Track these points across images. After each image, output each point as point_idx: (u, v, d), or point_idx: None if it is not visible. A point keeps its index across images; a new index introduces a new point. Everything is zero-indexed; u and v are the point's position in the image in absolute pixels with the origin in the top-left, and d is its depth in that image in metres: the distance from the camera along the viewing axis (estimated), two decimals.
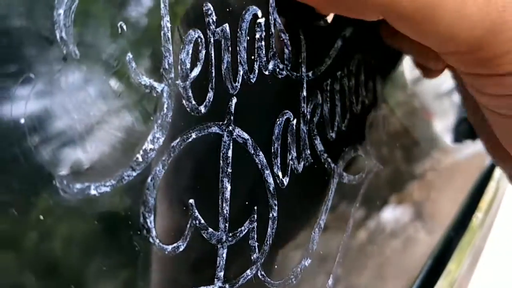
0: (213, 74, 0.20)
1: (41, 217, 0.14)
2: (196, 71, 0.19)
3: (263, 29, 0.22)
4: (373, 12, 0.22)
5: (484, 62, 0.22)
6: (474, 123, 0.35)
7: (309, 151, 0.26)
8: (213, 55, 0.20)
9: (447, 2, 0.20)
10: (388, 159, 0.36)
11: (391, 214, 0.40)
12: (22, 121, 0.14)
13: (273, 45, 0.23)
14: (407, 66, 0.41)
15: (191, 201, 0.19)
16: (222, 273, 0.21)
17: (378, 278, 0.38)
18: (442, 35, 0.21)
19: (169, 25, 0.18)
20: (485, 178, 0.65)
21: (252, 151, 0.22)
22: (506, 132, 0.25)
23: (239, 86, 0.21)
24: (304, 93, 0.25)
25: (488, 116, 0.26)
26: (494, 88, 0.23)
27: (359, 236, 0.33)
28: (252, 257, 0.22)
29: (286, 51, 0.24)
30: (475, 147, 0.61)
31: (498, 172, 0.66)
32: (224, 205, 0.21)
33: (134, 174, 0.17)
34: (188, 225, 0.19)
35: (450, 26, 0.21)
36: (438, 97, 0.55)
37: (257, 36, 0.22)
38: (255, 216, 0.22)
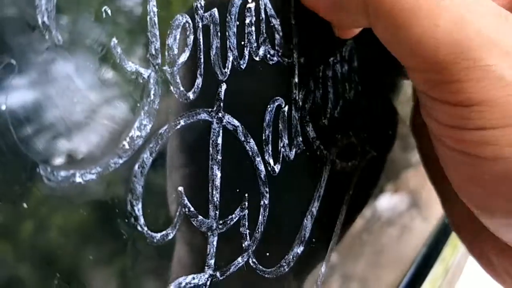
0: (202, 60, 0.20)
1: (25, 205, 0.14)
2: (184, 57, 0.19)
3: (253, 14, 0.22)
4: (358, 12, 0.23)
5: (441, 86, 0.21)
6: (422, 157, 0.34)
7: (301, 138, 0.26)
8: (201, 40, 0.20)
9: (420, 18, 0.20)
10: (384, 147, 0.36)
11: (387, 202, 0.39)
12: (3, 107, 0.14)
13: (264, 31, 0.23)
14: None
15: (180, 188, 0.19)
16: (212, 261, 0.21)
17: (374, 265, 0.38)
18: (412, 46, 0.21)
19: (155, 9, 0.18)
20: None
21: (243, 138, 0.22)
22: (449, 164, 0.24)
23: (228, 72, 0.21)
24: (296, 79, 0.25)
25: (436, 145, 0.25)
26: (443, 116, 0.22)
27: (355, 224, 0.33)
28: (243, 245, 0.22)
29: (277, 36, 0.24)
30: None
31: None
32: (214, 192, 0.21)
33: (121, 161, 0.17)
34: (178, 213, 0.19)
35: (420, 39, 0.21)
36: None
37: (247, 21, 0.22)
38: (246, 203, 0.22)
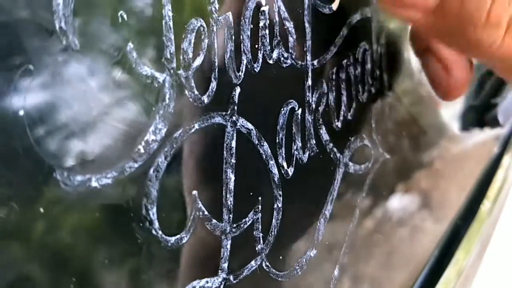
0: (216, 64, 0.20)
1: (42, 210, 0.14)
2: (198, 61, 0.19)
3: (267, 17, 0.22)
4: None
5: None
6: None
7: (314, 141, 0.25)
8: (216, 44, 0.20)
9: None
10: (395, 147, 0.36)
11: (399, 202, 0.39)
12: (21, 113, 0.14)
13: (278, 34, 0.23)
14: (413, 54, 0.41)
15: (195, 192, 0.19)
16: (226, 264, 0.21)
17: (385, 267, 0.37)
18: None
19: (170, 14, 0.18)
20: (494, 166, 0.64)
21: (256, 142, 0.22)
22: None
23: (242, 76, 0.21)
24: (309, 82, 0.25)
25: None
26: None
27: (366, 225, 0.33)
28: (256, 248, 0.22)
29: (291, 39, 0.24)
30: (484, 135, 0.60)
31: (507, 160, 0.65)
32: (228, 196, 0.21)
33: (136, 165, 0.17)
34: (192, 217, 0.19)
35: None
36: None
37: (261, 24, 0.22)
38: (260, 207, 0.22)
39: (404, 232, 0.41)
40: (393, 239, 0.39)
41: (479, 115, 0.58)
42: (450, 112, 0.56)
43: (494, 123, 0.57)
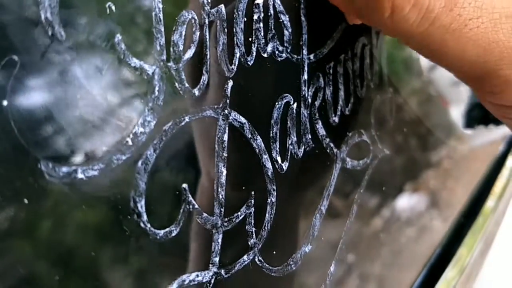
0: (208, 57, 0.20)
1: (26, 201, 0.14)
2: (189, 53, 0.19)
3: (262, 10, 0.22)
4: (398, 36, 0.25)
5: (487, 93, 0.25)
6: None
7: (310, 136, 0.25)
8: (207, 36, 0.20)
9: (451, 45, 0.23)
10: (400, 145, 0.36)
11: (406, 202, 0.39)
12: (5, 103, 0.14)
13: (272, 27, 0.23)
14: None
15: (185, 185, 0.19)
16: (217, 259, 0.21)
17: (392, 266, 0.37)
18: (451, 67, 0.25)
19: (160, 5, 0.18)
20: (498, 165, 0.64)
21: (249, 135, 0.22)
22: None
23: (235, 69, 0.21)
24: (305, 76, 0.25)
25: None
26: (496, 111, 0.27)
27: (372, 224, 0.33)
28: (249, 243, 0.22)
29: (286, 33, 0.23)
30: (490, 135, 0.60)
31: (511, 160, 0.65)
32: (219, 189, 0.20)
33: (124, 157, 0.17)
34: (182, 210, 0.19)
35: (454, 62, 0.24)
36: (455, 85, 0.54)
37: (255, 17, 0.22)
38: (252, 201, 0.22)
39: (413, 232, 0.41)
40: (401, 238, 0.38)
41: (484, 112, 0.58)
42: (459, 111, 0.56)
43: (499, 120, 0.57)
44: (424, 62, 0.43)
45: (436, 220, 0.48)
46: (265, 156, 0.23)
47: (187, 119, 0.19)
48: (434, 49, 0.24)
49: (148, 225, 0.18)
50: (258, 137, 0.22)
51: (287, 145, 0.24)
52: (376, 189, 0.33)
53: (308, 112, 0.25)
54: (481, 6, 0.23)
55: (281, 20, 0.23)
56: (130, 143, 0.17)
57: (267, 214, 0.23)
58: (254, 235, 0.22)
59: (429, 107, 0.46)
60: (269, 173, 0.23)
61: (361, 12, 0.25)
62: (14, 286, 0.14)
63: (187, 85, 0.19)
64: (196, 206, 0.19)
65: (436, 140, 0.46)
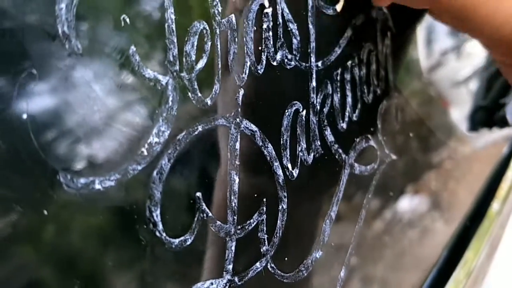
0: (219, 66, 0.20)
1: (45, 212, 0.14)
2: (201, 63, 0.19)
3: (270, 19, 0.22)
4: (423, 3, 0.25)
5: None
6: None
7: (319, 142, 0.25)
8: (219, 46, 0.20)
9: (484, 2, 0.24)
10: (404, 149, 0.36)
11: (408, 204, 0.39)
12: (25, 116, 0.14)
13: (281, 36, 0.23)
14: (423, 55, 0.40)
15: (199, 194, 0.19)
16: (231, 266, 0.21)
17: (395, 268, 0.37)
18: (481, 30, 0.25)
19: (173, 17, 0.18)
20: (503, 167, 0.64)
21: (261, 143, 0.22)
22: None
23: (246, 78, 0.21)
24: (314, 84, 0.25)
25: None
26: None
27: (375, 227, 0.33)
28: (261, 250, 0.22)
29: (295, 41, 0.24)
30: (493, 136, 0.60)
31: None
32: (232, 197, 0.21)
33: (139, 167, 0.17)
34: (196, 218, 0.19)
35: (484, 27, 0.24)
36: (455, 85, 0.54)
37: (264, 26, 0.22)
38: (264, 208, 0.22)
39: (415, 233, 0.41)
40: (403, 241, 0.38)
41: (488, 115, 0.58)
42: (460, 112, 0.56)
43: (503, 123, 0.57)
44: (424, 63, 0.43)
45: (438, 222, 0.48)
46: (276, 164, 0.23)
47: (200, 128, 0.19)
48: (466, 14, 0.24)
49: (164, 234, 0.18)
50: (269, 144, 0.22)
51: (297, 152, 0.24)
52: (383, 194, 0.33)
53: (317, 119, 0.25)
54: None
55: (289, 29, 0.23)
56: (145, 153, 0.17)
57: (278, 221, 0.23)
58: (266, 242, 0.22)
59: (430, 108, 0.46)
60: (280, 180, 0.23)
61: None
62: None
63: (199, 94, 0.19)
64: (210, 214, 0.20)
65: (437, 141, 0.47)
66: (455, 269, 0.46)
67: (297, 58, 0.24)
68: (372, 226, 0.33)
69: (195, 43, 0.19)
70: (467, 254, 0.48)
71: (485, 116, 0.57)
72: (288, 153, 0.23)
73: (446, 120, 0.52)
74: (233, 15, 0.20)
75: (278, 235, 0.23)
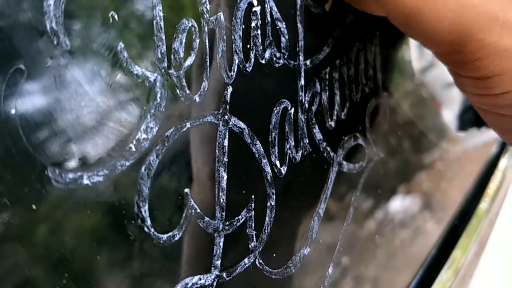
0: (208, 63, 0.20)
1: (34, 206, 0.15)
2: (190, 60, 0.19)
3: (259, 17, 0.22)
4: (379, 11, 0.26)
5: (462, 65, 0.25)
6: None
7: (307, 140, 0.26)
8: (207, 44, 0.20)
9: (426, 11, 0.23)
10: (394, 147, 0.36)
11: (400, 204, 0.39)
12: (13, 111, 0.14)
13: (270, 34, 0.23)
14: (415, 56, 0.41)
15: (187, 190, 0.19)
16: (219, 262, 0.21)
17: (387, 268, 0.38)
18: (427, 37, 0.25)
19: (161, 14, 0.18)
20: (491, 166, 0.64)
21: (249, 140, 0.22)
22: (494, 125, 0.29)
23: (234, 75, 0.21)
24: (302, 82, 0.25)
25: (477, 111, 0.29)
26: (473, 89, 0.26)
27: (365, 226, 0.33)
28: (249, 246, 0.22)
29: (283, 39, 0.24)
30: (483, 136, 0.60)
31: (504, 162, 0.66)
32: (220, 194, 0.21)
33: (127, 163, 0.17)
34: (184, 214, 0.19)
35: (430, 30, 0.24)
36: (447, 86, 0.55)
37: (253, 24, 0.22)
38: (253, 205, 0.22)
39: (406, 234, 0.41)
40: (395, 241, 0.39)
41: (477, 115, 0.58)
42: (451, 113, 0.56)
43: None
44: (416, 64, 0.44)
45: (429, 222, 0.48)
46: (265, 161, 0.23)
47: (188, 125, 0.19)
48: (411, 18, 0.24)
49: (152, 230, 0.18)
50: (258, 142, 0.23)
51: (286, 149, 0.24)
52: (371, 192, 0.33)
53: (305, 117, 0.26)
54: None
55: (278, 27, 0.24)
56: (133, 149, 0.17)
57: (267, 218, 0.23)
58: (254, 238, 0.23)
59: (422, 109, 0.47)
60: (269, 177, 0.23)
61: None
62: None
63: (188, 91, 0.19)
64: (198, 210, 0.20)
65: (429, 142, 0.47)
66: (444, 266, 0.46)
67: (286, 57, 0.24)
68: (364, 226, 0.33)
69: (184, 41, 0.19)
70: (455, 252, 0.48)
71: (474, 115, 0.58)
72: (277, 151, 0.24)
73: (438, 121, 0.52)
74: (221, 13, 0.21)
75: (266, 231, 0.23)
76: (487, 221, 0.56)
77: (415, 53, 0.41)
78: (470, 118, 0.58)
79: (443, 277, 0.44)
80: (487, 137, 0.63)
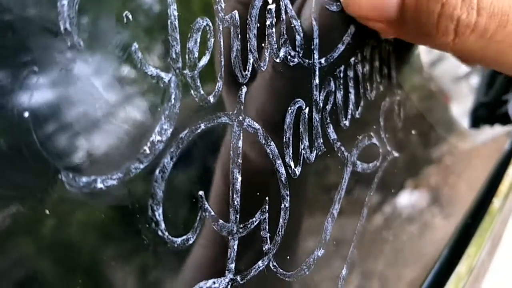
0: (222, 63, 0.20)
1: (47, 211, 0.14)
2: (204, 60, 0.19)
3: (274, 15, 0.22)
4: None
5: None
6: None
7: (321, 140, 0.25)
8: (222, 43, 0.20)
9: (506, 58, 0.26)
10: (404, 144, 0.36)
11: (408, 199, 0.39)
12: (26, 114, 0.14)
13: (284, 32, 0.23)
14: (423, 49, 0.40)
15: (201, 192, 0.19)
16: (233, 265, 0.21)
17: (395, 263, 0.37)
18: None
19: (176, 13, 0.18)
20: (504, 163, 0.64)
21: (263, 141, 0.22)
22: None
23: (249, 75, 0.21)
24: (317, 81, 0.25)
25: None
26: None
27: (375, 222, 0.33)
28: (263, 248, 0.22)
29: (298, 37, 0.23)
30: (494, 132, 0.60)
31: None
32: (234, 196, 0.20)
33: (142, 166, 0.17)
34: (198, 217, 0.19)
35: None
36: (456, 80, 0.54)
37: (268, 23, 0.22)
38: (267, 207, 0.22)
39: (414, 229, 0.41)
40: (403, 236, 0.38)
41: (490, 112, 0.58)
42: (460, 107, 0.56)
43: (505, 119, 0.57)
44: (424, 58, 0.43)
45: (437, 217, 0.48)
46: (279, 162, 0.23)
47: (202, 126, 0.19)
48: (493, 62, 0.27)
49: (166, 233, 0.18)
50: (272, 142, 0.22)
51: (300, 150, 0.24)
52: (385, 191, 0.33)
53: (320, 116, 0.25)
54: None
55: (293, 25, 0.23)
56: (147, 151, 0.17)
57: (281, 219, 0.23)
58: (268, 241, 0.22)
59: (430, 103, 0.46)
60: (283, 178, 0.23)
61: (416, 37, 0.27)
62: None
63: (202, 92, 0.19)
64: (212, 213, 0.19)
65: (438, 137, 0.46)
66: (457, 265, 0.46)
67: (300, 55, 0.24)
68: (372, 221, 0.33)
69: (198, 40, 0.19)
70: (469, 250, 0.48)
71: (486, 112, 0.57)
72: (291, 151, 0.23)
73: (446, 115, 0.52)
74: (236, 11, 0.20)
75: (280, 233, 0.23)
76: (500, 219, 0.56)
77: (423, 47, 0.41)
78: (483, 115, 0.57)
79: (458, 274, 0.44)
80: (497, 132, 0.62)
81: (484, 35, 0.25)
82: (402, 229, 0.38)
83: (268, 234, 0.22)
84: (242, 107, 0.21)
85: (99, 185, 0.16)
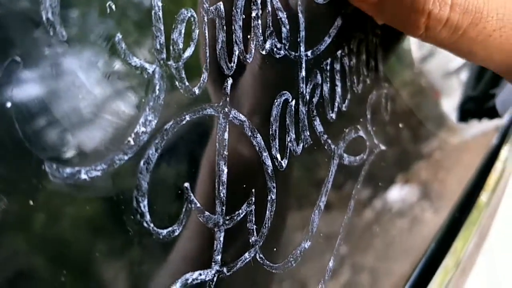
0: (207, 54, 0.20)
1: (31, 202, 0.14)
2: (189, 52, 0.19)
3: (259, 7, 0.22)
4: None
5: None
6: None
7: (308, 133, 0.25)
8: (207, 34, 0.20)
9: (477, 54, 0.27)
10: (393, 137, 0.36)
11: (398, 193, 0.39)
12: (9, 105, 0.14)
13: (270, 24, 0.23)
14: (415, 45, 0.40)
15: (186, 184, 0.19)
16: (219, 257, 0.21)
17: (385, 257, 0.37)
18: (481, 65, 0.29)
19: (160, 4, 0.18)
20: (492, 157, 0.64)
21: (250, 133, 0.22)
22: None
23: (234, 67, 0.21)
24: (303, 73, 0.25)
25: None
26: None
27: (365, 216, 0.33)
28: (250, 240, 0.22)
29: (284, 30, 0.24)
30: (482, 126, 0.60)
31: (505, 151, 0.65)
32: (220, 188, 0.20)
33: (126, 158, 0.17)
34: (184, 209, 0.19)
35: (483, 64, 0.28)
36: (446, 76, 0.54)
37: (253, 14, 0.22)
38: (253, 199, 0.22)
39: (404, 223, 0.41)
40: (392, 230, 0.39)
41: (477, 106, 0.58)
42: (450, 102, 0.56)
43: (493, 113, 0.57)
44: (415, 53, 0.43)
45: (427, 212, 0.48)
46: (265, 154, 0.23)
47: (187, 117, 0.19)
48: (463, 55, 0.27)
49: (151, 225, 0.18)
50: (258, 134, 0.22)
51: (286, 142, 0.24)
52: (373, 184, 0.33)
53: (306, 109, 0.25)
54: (503, 18, 0.25)
55: (279, 17, 0.23)
56: (132, 142, 0.17)
57: (267, 212, 0.23)
58: (255, 233, 0.22)
59: (421, 98, 0.46)
60: (269, 171, 0.23)
61: (392, 23, 0.27)
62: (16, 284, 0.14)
63: (187, 83, 0.19)
64: (198, 205, 0.19)
65: (427, 132, 0.47)
66: (444, 258, 0.46)
67: (287, 47, 0.24)
68: (362, 215, 0.33)
69: (183, 31, 0.19)
70: (456, 244, 0.48)
71: (474, 106, 0.57)
72: (277, 143, 0.23)
73: (436, 111, 0.52)
74: (221, 2, 0.20)
75: (266, 225, 0.23)
76: (488, 213, 0.56)
77: (415, 42, 0.41)
78: (471, 109, 0.58)
79: (445, 267, 0.44)
80: (486, 127, 0.63)
81: (456, 31, 0.25)
82: (392, 224, 0.38)
83: (255, 226, 0.22)
84: (227, 99, 0.21)
85: (83, 176, 0.15)
